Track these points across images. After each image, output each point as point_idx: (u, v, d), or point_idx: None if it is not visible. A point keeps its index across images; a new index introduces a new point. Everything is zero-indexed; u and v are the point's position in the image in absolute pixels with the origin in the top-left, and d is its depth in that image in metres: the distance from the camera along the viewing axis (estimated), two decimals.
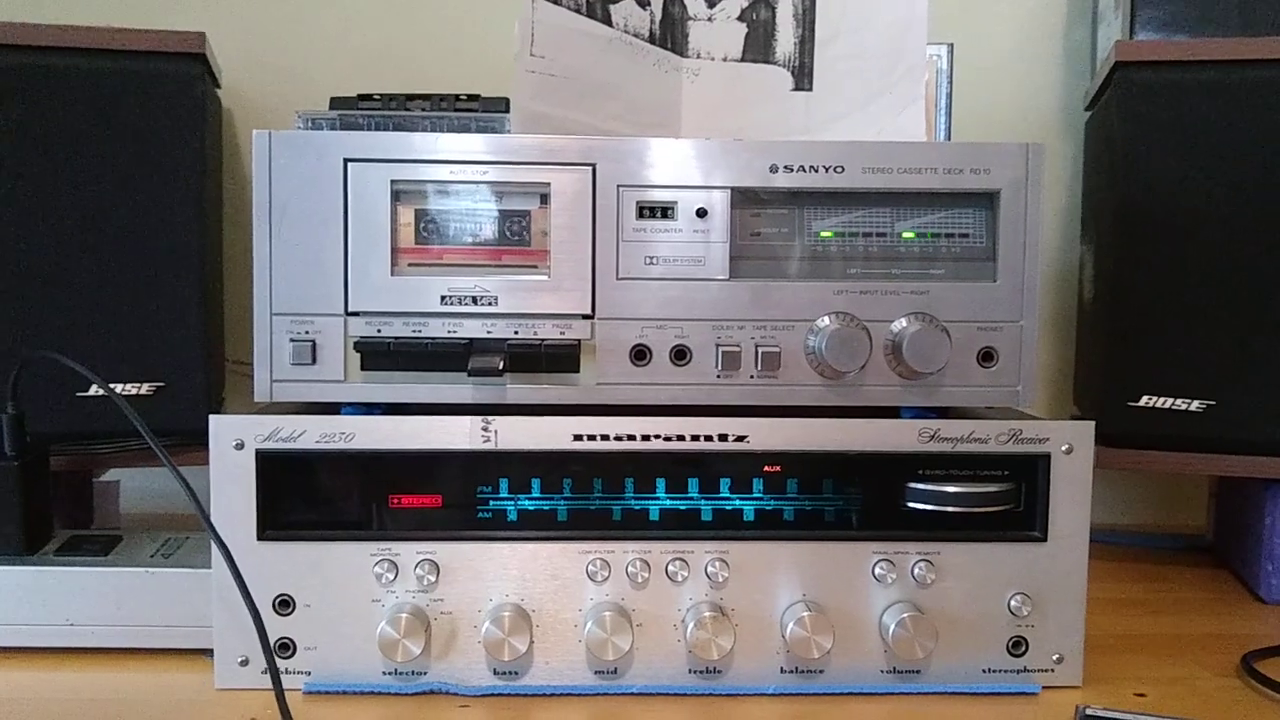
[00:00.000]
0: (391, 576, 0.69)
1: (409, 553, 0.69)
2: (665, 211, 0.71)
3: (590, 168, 0.71)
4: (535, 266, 0.71)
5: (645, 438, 0.70)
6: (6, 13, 1.03)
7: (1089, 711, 0.66)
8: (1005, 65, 1.18)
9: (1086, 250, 1.06)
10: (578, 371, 0.71)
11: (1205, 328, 0.89)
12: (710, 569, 0.70)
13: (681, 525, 0.71)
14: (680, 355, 0.71)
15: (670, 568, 0.70)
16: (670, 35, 0.82)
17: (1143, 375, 0.91)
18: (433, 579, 0.69)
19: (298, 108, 0.83)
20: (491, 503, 0.70)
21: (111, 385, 0.82)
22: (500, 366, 0.69)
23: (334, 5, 1.15)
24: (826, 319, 0.71)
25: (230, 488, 0.69)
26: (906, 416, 0.72)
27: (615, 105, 0.80)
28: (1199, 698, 0.71)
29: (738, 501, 0.71)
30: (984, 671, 0.71)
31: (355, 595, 0.69)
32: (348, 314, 0.70)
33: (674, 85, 0.83)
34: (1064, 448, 0.70)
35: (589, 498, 0.71)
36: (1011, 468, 0.71)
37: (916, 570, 0.70)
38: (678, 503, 0.71)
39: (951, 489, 0.71)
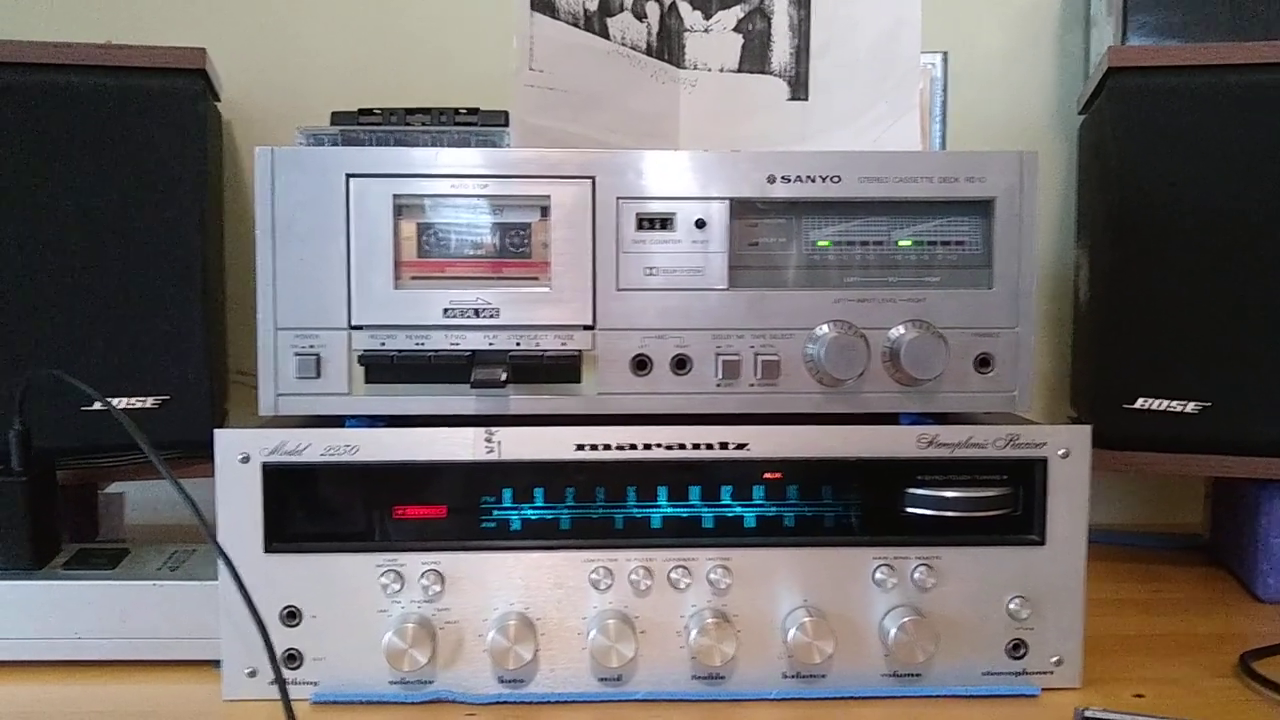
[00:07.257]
0: (397, 587, 0.70)
1: (414, 563, 0.70)
2: (664, 223, 0.72)
3: (590, 180, 0.71)
4: (536, 278, 0.72)
5: (647, 446, 0.71)
6: (7, 31, 1.04)
7: (1088, 713, 0.67)
8: (999, 70, 1.19)
9: (1082, 253, 1.07)
10: (579, 382, 0.72)
11: (1200, 330, 0.90)
12: (712, 576, 0.71)
13: (683, 533, 0.71)
14: (680, 365, 0.72)
15: (672, 575, 0.71)
16: (667, 47, 0.83)
17: (1138, 377, 0.91)
18: (438, 589, 0.70)
19: (298, 121, 0.83)
20: (495, 513, 0.71)
21: (116, 399, 0.83)
22: (503, 378, 0.70)
23: (333, 20, 1.15)
24: (825, 327, 0.72)
25: (236, 501, 0.69)
26: (905, 423, 0.73)
27: (613, 117, 0.81)
28: (1197, 698, 0.71)
29: (739, 509, 0.72)
30: (984, 674, 0.72)
31: (361, 606, 0.70)
32: (351, 328, 0.71)
33: (672, 96, 0.83)
34: (1061, 452, 0.71)
35: (592, 507, 0.71)
36: (1009, 472, 0.72)
37: (916, 575, 0.71)
38: (679, 510, 0.72)
39: (950, 494, 0.71)
